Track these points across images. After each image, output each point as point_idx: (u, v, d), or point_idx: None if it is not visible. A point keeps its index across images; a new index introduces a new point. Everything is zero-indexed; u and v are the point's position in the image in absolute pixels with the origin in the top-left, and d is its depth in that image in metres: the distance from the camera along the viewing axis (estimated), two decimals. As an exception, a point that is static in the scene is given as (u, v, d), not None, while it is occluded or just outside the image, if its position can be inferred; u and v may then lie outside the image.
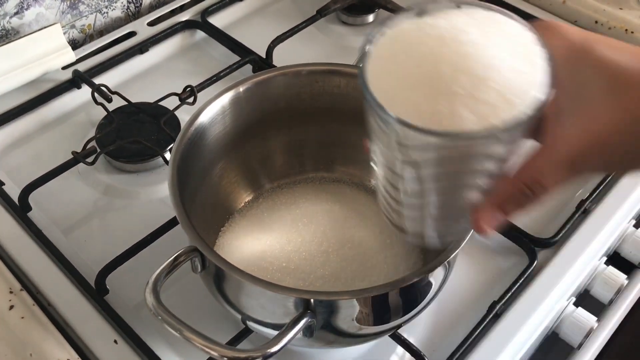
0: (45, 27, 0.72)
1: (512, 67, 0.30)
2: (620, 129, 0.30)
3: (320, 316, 0.42)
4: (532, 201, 0.33)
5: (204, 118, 0.51)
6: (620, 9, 0.82)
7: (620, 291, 0.61)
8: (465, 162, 0.32)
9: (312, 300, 0.41)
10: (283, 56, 0.76)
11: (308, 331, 0.43)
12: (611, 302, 0.61)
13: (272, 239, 0.54)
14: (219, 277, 0.45)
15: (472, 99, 0.29)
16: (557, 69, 0.30)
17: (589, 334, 0.57)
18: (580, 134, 0.31)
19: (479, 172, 0.32)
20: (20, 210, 0.60)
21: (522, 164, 0.33)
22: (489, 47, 0.30)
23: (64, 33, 0.78)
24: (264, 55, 0.76)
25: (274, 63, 0.76)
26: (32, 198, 0.61)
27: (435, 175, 0.32)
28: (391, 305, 0.44)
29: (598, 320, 0.58)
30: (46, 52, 0.73)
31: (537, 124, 0.31)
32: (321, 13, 0.82)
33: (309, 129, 0.58)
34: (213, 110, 0.52)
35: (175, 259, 0.42)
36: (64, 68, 0.74)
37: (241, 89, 0.53)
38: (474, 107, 0.29)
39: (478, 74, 0.29)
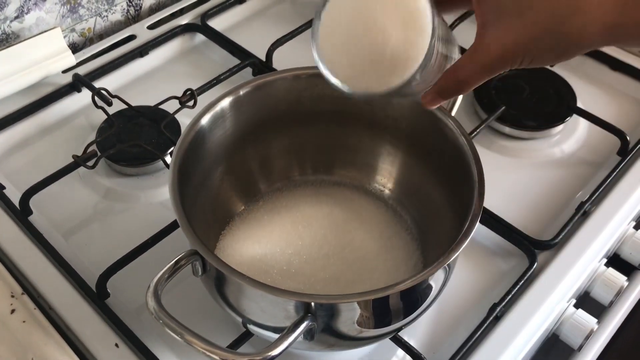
0: (45, 31, 0.72)
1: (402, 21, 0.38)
2: (526, 42, 0.38)
3: (320, 319, 0.42)
4: (459, 92, 0.43)
5: (204, 122, 0.51)
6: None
7: (620, 293, 0.61)
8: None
9: (312, 303, 0.41)
10: (283, 59, 0.77)
11: (309, 334, 0.43)
12: (611, 303, 0.61)
13: (273, 242, 0.55)
14: (220, 280, 0.45)
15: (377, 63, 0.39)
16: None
17: (589, 335, 0.57)
18: (496, 44, 0.39)
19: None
20: (21, 214, 0.61)
21: (456, 63, 0.42)
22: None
23: (64, 37, 0.79)
24: (263, 59, 0.76)
25: (274, 66, 0.76)
26: (33, 202, 0.61)
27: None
28: (392, 308, 0.44)
29: (598, 322, 0.58)
30: (46, 55, 0.73)
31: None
32: (321, 16, 0.82)
33: (309, 132, 0.59)
34: (213, 114, 0.52)
35: (176, 262, 0.42)
36: (64, 72, 0.75)
37: (241, 92, 0.54)
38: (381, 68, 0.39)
39: (377, 41, 0.38)
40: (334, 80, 0.41)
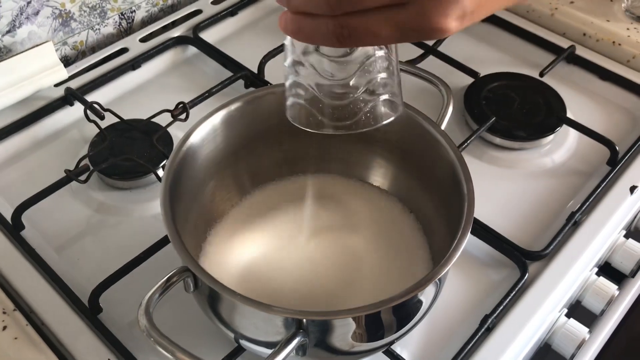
0: (37, 45, 0.72)
1: None
2: None
3: (312, 335, 0.42)
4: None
5: (196, 137, 0.52)
6: (608, 21, 0.83)
7: (611, 301, 0.61)
8: None
9: (304, 319, 0.41)
10: (275, 71, 0.77)
11: (301, 350, 0.43)
12: (602, 312, 0.62)
13: (265, 252, 0.55)
14: (212, 296, 0.45)
15: None
16: None
17: (581, 344, 0.58)
18: None
19: None
20: (13, 228, 0.61)
21: None
22: None
23: (56, 50, 0.79)
24: (256, 71, 0.77)
25: (266, 78, 0.76)
26: (25, 216, 0.61)
27: None
28: (384, 322, 0.45)
29: (590, 331, 0.58)
30: (38, 70, 0.73)
31: None
32: (312, 27, 0.82)
33: (300, 145, 0.59)
34: (205, 129, 0.52)
35: (168, 279, 0.43)
36: (56, 85, 0.75)
37: (233, 107, 0.54)
38: None
39: None
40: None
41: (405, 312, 0.45)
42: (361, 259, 0.54)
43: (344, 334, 0.43)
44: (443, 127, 0.54)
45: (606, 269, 0.65)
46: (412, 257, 0.54)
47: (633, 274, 0.66)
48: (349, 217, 0.58)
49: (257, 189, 0.60)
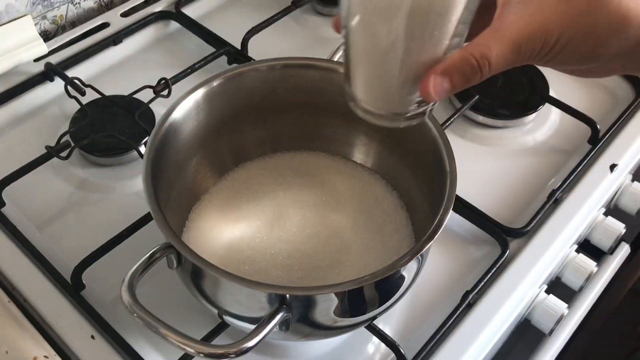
0: (15, 19, 0.71)
1: None
2: (563, 21, 0.33)
3: (296, 310, 0.43)
4: (477, 76, 0.35)
5: (178, 113, 0.51)
6: None
7: (590, 278, 0.62)
8: (424, 16, 0.34)
9: (287, 295, 0.41)
10: (258, 47, 0.76)
11: (284, 325, 0.44)
12: (581, 288, 0.63)
13: (248, 229, 0.55)
14: (195, 273, 0.45)
15: None
16: None
17: (560, 320, 0.59)
18: (527, 19, 0.34)
19: (436, 30, 0.35)
20: (-6, 206, 0.60)
21: (473, 41, 0.35)
22: None
23: (35, 24, 0.77)
24: (239, 47, 0.76)
25: (250, 54, 0.76)
26: (6, 193, 0.61)
27: (405, 25, 0.34)
28: (366, 298, 0.45)
29: (569, 307, 0.59)
30: (17, 44, 0.72)
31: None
32: (296, 4, 0.81)
33: (284, 123, 0.59)
34: (187, 105, 0.52)
35: (151, 255, 0.43)
36: (35, 60, 0.74)
37: (215, 83, 0.53)
38: None
39: None
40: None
41: (387, 287, 0.46)
42: (344, 236, 0.54)
43: (326, 309, 0.44)
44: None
45: (585, 246, 0.66)
46: (395, 234, 0.55)
47: (611, 251, 0.67)
48: (332, 194, 0.58)
49: (240, 166, 0.60)
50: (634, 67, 0.36)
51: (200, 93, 0.52)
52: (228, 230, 0.55)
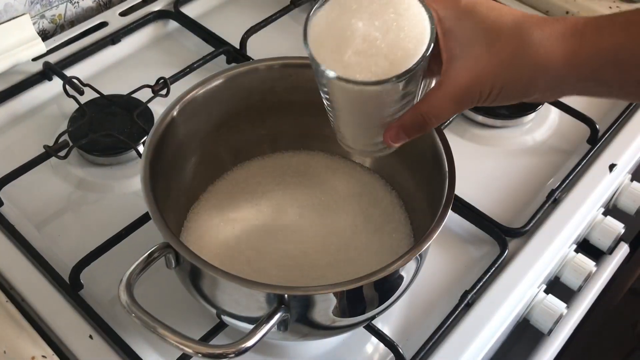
0: (13, 18, 0.71)
1: (398, 27, 0.39)
2: (495, 71, 0.39)
3: (294, 310, 0.43)
4: (426, 127, 0.42)
5: (177, 112, 0.51)
6: (591, -1, 0.83)
7: (589, 278, 0.62)
8: (371, 101, 0.42)
9: (286, 295, 0.41)
10: (257, 47, 0.76)
11: (283, 325, 0.44)
12: (580, 288, 0.63)
13: (247, 229, 0.55)
14: (193, 273, 0.45)
15: (367, 56, 0.39)
16: (446, 24, 0.40)
17: (558, 320, 0.59)
18: (464, 73, 0.39)
19: (383, 108, 0.42)
20: (-8, 205, 0.60)
21: (422, 97, 0.42)
22: (379, 13, 0.39)
23: (34, 23, 0.77)
24: (237, 46, 0.76)
25: (249, 54, 0.76)
26: (4, 193, 0.61)
27: (362, 108, 0.43)
28: (365, 298, 0.45)
29: (568, 307, 0.59)
30: (15, 43, 0.72)
31: (426, 68, 0.41)
32: (295, 3, 0.81)
33: (283, 122, 0.59)
34: (186, 105, 0.52)
35: (149, 255, 0.43)
36: (34, 59, 0.73)
37: (214, 82, 0.53)
38: (370, 63, 0.39)
39: (370, 35, 0.39)
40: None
41: (386, 287, 0.46)
42: (343, 236, 0.54)
43: (325, 309, 0.44)
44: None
45: (584, 246, 0.66)
46: (393, 233, 0.55)
47: (610, 251, 0.67)
48: (331, 194, 0.58)
49: (239, 166, 0.60)
50: (569, 94, 0.40)
51: (200, 92, 0.52)
52: (226, 230, 0.55)
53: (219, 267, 0.42)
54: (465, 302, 0.55)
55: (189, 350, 0.39)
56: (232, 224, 0.55)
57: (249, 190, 0.58)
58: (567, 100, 0.72)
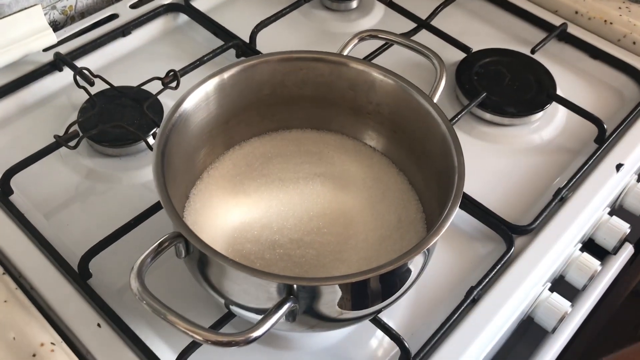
0: (25, 9, 0.71)
1: None
2: None
3: (302, 301, 0.43)
4: None
5: (188, 104, 0.51)
6: (600, -1, 0.83)
7: (593, 277, 0.62)
8: None
9: (295, 285, 0.41)
10: (267, 41, 0.76)
11: (291, 316, 0.44)
12: (585, 287, 0.63)
13: (258, 217, 0.54)
14: (203, 262, 0.45)
15: None
16: None
17: (563, 318, 0.59)
18: None
19: None
20: (2, 194, 0.60)
21: None
22: None
23: (45, 14, 0.77)
24: (247, 40, 0.76)
25: (258, 48, 0.76)
26: (14, 182, 0.61)
27: None
28: (372, 290, 0.45)
29: (572, 305, 0.60)
30: (26, 33, 0.72)
31: None
32: (305, -2, 0.81)
33: (293, 116, 0.59)
34: (197, 97, 0.52)
35: (160, 244, 0.43)
36: (45, 50, 0.74)
37: (225, 75, 0.54)
38: None
39: None
40: None
41: (393, 281, 0.46)
42: (353, 228, 0.54)
43: (333, 300, 0.44)
44: (435, 100, 0.55)
45: (590, 245, 0.66)
46: (403, 228, 0.55)
47: (615, 251, 0.67)
48: (343, 180, 0.57)
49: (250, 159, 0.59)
50: None
51: (211, 84, 0.53)
52: (235, 217, 0.54)
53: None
54: (471, 298, 0.55)
55: (198, 338, 0.39)
56: (240, 211, 0.55)
57: (259, 187, 0.57)
58: (574, 99, 0.73)
